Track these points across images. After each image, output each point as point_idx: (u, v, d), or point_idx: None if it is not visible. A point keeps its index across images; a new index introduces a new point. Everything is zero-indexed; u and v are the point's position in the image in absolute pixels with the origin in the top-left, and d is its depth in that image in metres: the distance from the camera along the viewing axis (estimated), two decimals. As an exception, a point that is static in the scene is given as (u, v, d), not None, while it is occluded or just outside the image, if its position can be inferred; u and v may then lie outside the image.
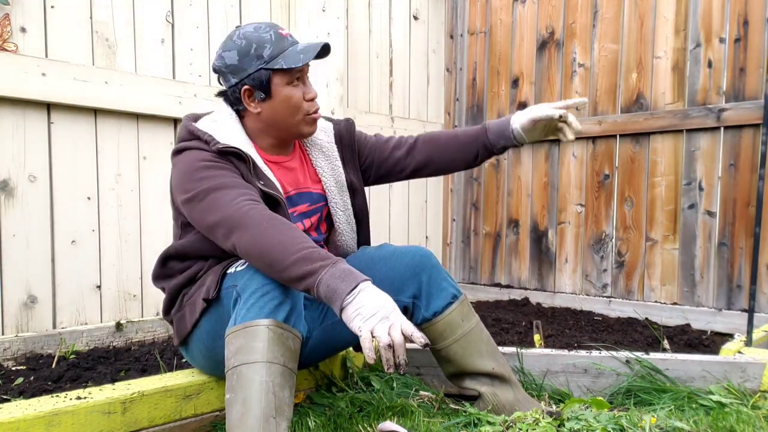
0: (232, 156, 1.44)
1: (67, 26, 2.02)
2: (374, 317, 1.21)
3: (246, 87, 1.47)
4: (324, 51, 1.49)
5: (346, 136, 1.71)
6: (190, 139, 1.47)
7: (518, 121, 1.64)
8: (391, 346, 1.20)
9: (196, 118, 1.53)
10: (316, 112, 1.53)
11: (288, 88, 1.47)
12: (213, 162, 1.41)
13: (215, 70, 1.52)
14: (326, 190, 1.66)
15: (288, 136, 1.56)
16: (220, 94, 1.55)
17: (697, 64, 2.64)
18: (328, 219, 1.70)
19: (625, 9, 2.85)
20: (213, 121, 1.50)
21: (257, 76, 1.45)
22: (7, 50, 1.88)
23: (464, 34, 3.46)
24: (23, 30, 1.92)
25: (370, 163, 1.75)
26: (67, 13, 2.02)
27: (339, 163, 1.68)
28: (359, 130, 1.77)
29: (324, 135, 1.68)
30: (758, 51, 2.49)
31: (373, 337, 1.21)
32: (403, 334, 1.21)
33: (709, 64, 2.61)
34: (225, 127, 1.49)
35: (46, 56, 1.97)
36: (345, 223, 1.69)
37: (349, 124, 1.74)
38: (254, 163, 1.46)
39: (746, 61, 2.51)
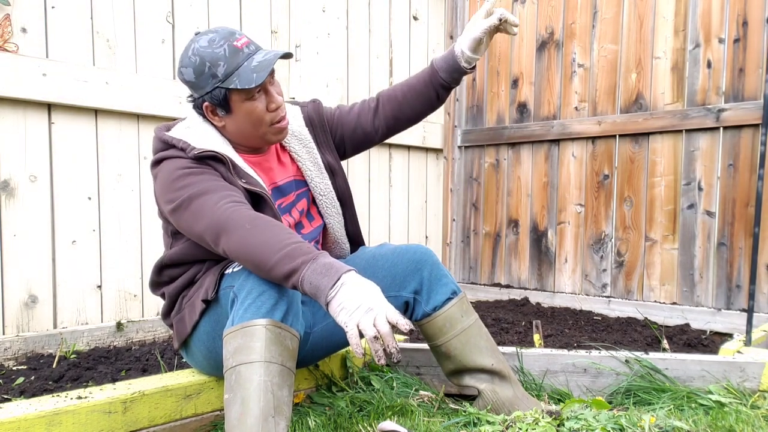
0: (209, 159, 1.43)
1: (68, 26, 2.02)
2: (359, 310, 1.20)
3: (206, 103, 1.46)
4: (284, 56, 1.45)
5: (316, 117, 1.70)
6: (165, 148, 1.46)
7: (464, 47, 1.59)
8: (377, 337, 1.19)
9: (169, 127, 1.52)
10: (281, 120, 1.50)
11: (248, 103, 1.44)
12: (191, 168, 1.40)
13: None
14: (305, 175, 1.66)
15: (258, 144, 1.55)
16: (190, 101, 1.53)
17: (697, 64, 2.64)
18: (315, 204, 1.70)
19: (625, 9, 2.85)
20: (187, 128, 1.49)
21: (215, 94, 1.43)
22: (7, 50, 1.88)
23: (464, 35, 3.46)
24: (24, 30, 1.93)
25: (341, 136, 1.73)
26: (67, 13, 2.02)
27: (313, 145, 1.67)
28: (324, 106, 1.74)
29: (294, 120, 1.66)
30: (757, 51, 2.49)
31: (360, 330, 1.20)
32: (389, 323, 1.19)
33: (709, 65, 2.61)
34: (200, 132, 1.48)
35: (47, 56, 1.97)
36: (329, 206, 1.68)
37: (316, 104, 1.72)
38: (233, 163, 1.46)
39: (745, 61, 2.51)
